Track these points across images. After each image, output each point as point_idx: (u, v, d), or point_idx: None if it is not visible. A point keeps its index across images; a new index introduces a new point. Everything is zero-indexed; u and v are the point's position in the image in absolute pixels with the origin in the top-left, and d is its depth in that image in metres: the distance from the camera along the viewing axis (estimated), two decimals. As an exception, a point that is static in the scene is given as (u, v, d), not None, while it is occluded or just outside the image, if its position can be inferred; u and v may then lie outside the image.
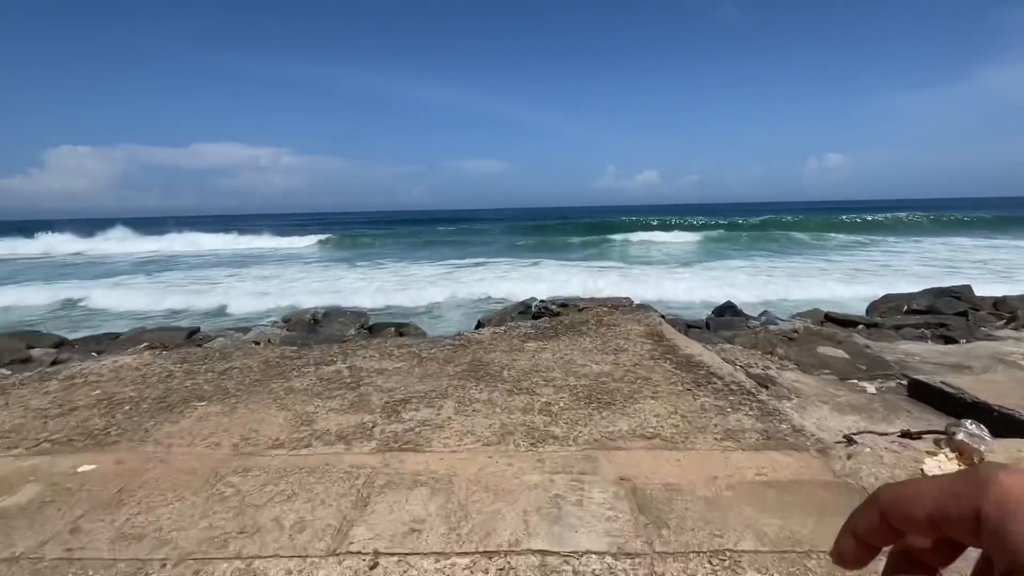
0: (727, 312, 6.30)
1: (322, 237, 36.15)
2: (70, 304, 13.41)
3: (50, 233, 38.78)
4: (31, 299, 14.04)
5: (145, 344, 4.15)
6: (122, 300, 13.23)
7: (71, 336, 7.47)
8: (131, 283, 17.61)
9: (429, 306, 12.14)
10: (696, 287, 13.74)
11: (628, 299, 5.32)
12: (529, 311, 5.20)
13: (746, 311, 9.89)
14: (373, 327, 5.32)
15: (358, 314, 5.25)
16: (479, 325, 5.24)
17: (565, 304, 5.08)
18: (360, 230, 51.14)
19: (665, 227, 38.44)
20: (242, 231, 42.69)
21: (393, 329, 4.92)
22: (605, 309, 4.41)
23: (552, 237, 35.44)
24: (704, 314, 9.72)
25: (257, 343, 3.77)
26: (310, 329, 4.71)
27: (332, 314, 5.34)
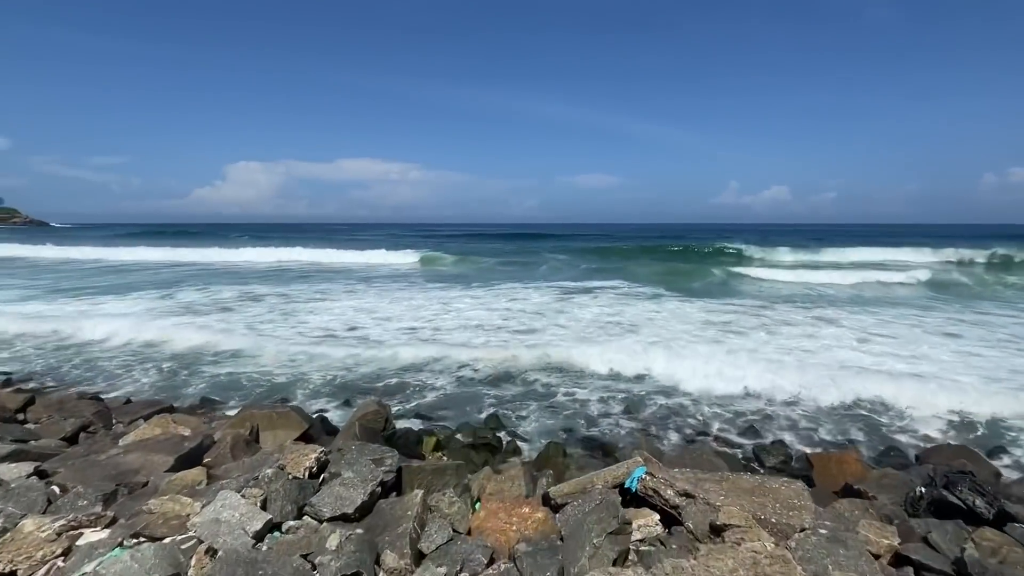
0: (949, 508, 3.58)
1: (434, 253, 36.52)
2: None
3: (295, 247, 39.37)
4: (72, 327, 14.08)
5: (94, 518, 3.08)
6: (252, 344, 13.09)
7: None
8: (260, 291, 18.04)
9: (526, 366, 10.40)
10: (848, 360, 10.67)
11: (791, 485, 3.32)
12: (626, 498, 3.36)
13: (949, 432, 6.64)
14: (400, 477, 3.91)
15: (378, 458, 3.88)
16: (546, 501, 3.55)
17: (692, 496, 3.10)
18: (474, 244, 52.15)
19: (809, 262, 32.53)
20: (363, 245, 44.55)
21: (420, 497, 3.45)
22: (769, 546, 2.63)
23: (668, 262, 32.42)
24: (876, 439, 6.85)
25: (207, 552, 2.56)
26: (299, 493, 3.40)
27: (339, 459, 3.94)
